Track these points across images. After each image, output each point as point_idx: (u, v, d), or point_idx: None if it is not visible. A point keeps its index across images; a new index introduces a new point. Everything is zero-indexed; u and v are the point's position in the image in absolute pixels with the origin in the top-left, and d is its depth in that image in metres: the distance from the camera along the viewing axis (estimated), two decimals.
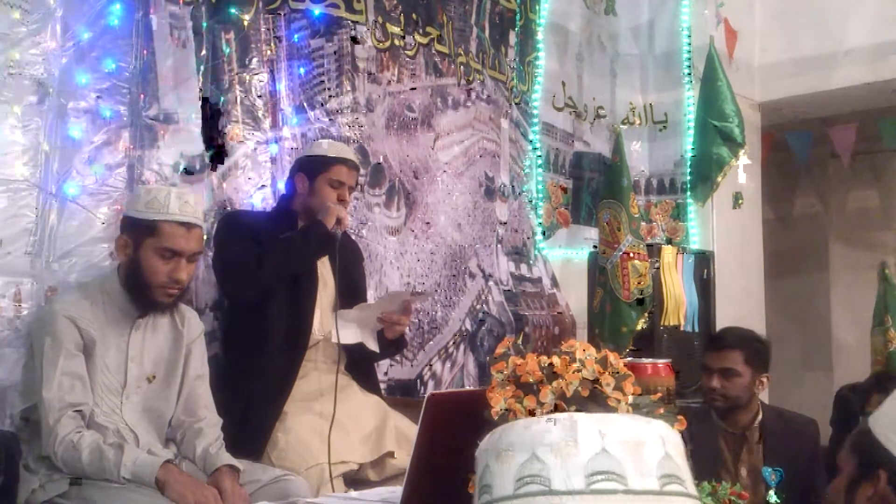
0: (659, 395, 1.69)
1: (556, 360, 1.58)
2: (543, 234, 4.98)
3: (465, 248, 4.34)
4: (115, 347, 2.50)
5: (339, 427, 2.82)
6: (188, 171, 3.20)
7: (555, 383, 1.55)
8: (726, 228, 5.59)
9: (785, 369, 6.08)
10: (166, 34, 3.18)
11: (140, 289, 2.50)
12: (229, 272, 2.99)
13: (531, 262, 4.82)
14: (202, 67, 3.29)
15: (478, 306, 4.37)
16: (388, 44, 4.01)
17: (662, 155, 5.58)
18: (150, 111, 3.13)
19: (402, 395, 3.74)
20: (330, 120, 3.72)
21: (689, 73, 5.49)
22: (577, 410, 1.57)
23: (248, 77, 3.44)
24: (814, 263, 7.28)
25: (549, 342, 4.61)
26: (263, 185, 3.45)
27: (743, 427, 3.17)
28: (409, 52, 4.13)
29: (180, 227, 2.48)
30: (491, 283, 4.46)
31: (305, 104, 3.64)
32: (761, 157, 6.07)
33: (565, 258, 5.15)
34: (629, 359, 1.82)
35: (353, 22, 3.82)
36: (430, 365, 4.08)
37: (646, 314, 4.40)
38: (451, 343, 4.19)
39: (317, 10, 3.68)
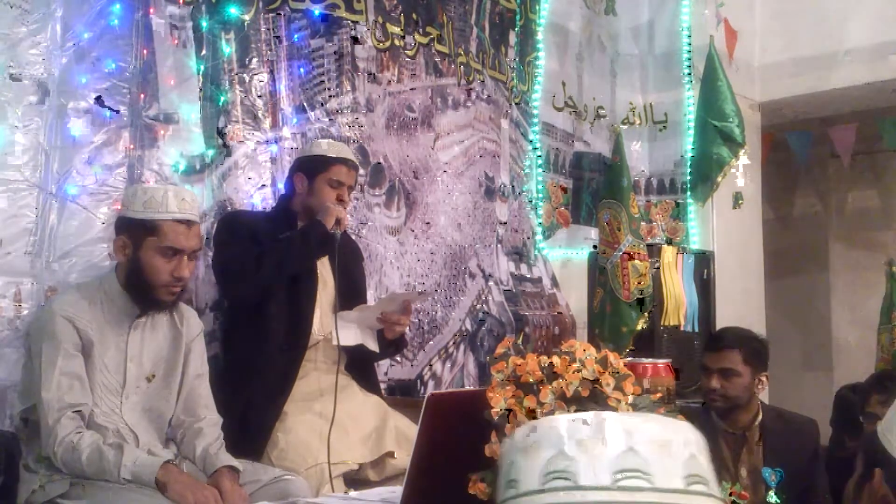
0: (659, 395, 1.69)
1: (556, 360, 1.58)
2: (543, 234, 4.97)
3: (465, 248, 4.34)
4: (114, 347, 2.50)
5: (339, 427, 2.82)
6: (188, 171, 3.20)
7: (555, 383, 1.55)
8: (726, 228, 5.59)
9: (785, 369, 6.08)
10: (166, 34, 3.18)
11: (142, 288, 2.50)
12: (229, 272, 2.99)
13: (531, 262, 4.82)
14: (202, 67, 3.29)
15: (478, 306, 4.37)
16: (388, 44, 4.01)
17: (662, 155, 5.58)
18: (150, 111, 3.13)
19: (402, 395, 3.74)
20: (330, 120, 3.72)
21: (689, 73, 5.49)
22: (576, 410, 1.57)
23: (248, 77, 3.44)
24: (814, 263, 7.28)
25: (549, 342, 4.61)
26: (263, 185, 3.45)
27: (743, 427, 3.17)
28: (409, 52, 4.13)
29: (180, 224, 2.48)
30: (491, 283, 4.46)
31: (305, 104, 3.64)
32: (761, 157, 6.07)
33: (565, 258, 5.15)
34: (629, 359, 1.82)
35: (353, 22, 3.82)
36: (430, 365, 4.08)
37: (646, 314, 4.40)
38: (451, 343, 4.19)
39: (317, 10, 3.68)
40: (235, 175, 3.36)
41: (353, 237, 3.52)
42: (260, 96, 3.47)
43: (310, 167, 3.10)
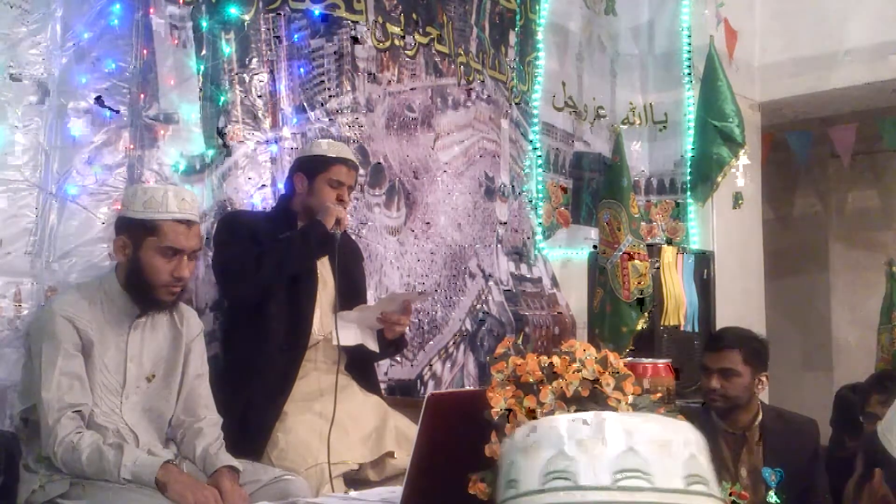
0: (659, 395, 1.69)
1: (556, 360, 1.58)
2: (543, 234, 4.97)
3: (465, 248, 4.34)
4: (114, 347, 2.49)
5: (338, 427, 2.82)
6: (188, 171, 3.20)
7: (555, 383, 1.55)
8: (726, 228, 5.59)
9: (785, 369, 6.08)
10: (166, 34, 3.18)
11: (142, 288, 2.50)
12: (229, 272, 2.98)
13: (531, 262, 4.82)
14: (202, 67, 3.29)
15: (478, 306, 4.37)
16: (388, 44, 4.01)
17: (662, 155, 5.58)
18: (150, 111, 3.13)
19: (402, 396, 3.74)
20: (330, 120, 3.72)
21: (689, 73, 5.49)
22: (576, 410, 1.57)
23: (247, 77, 3.44)
24: (814, 263, 7.28)
25: (549, 342, 4.61)
26: (263, 185, 3.45)
27: (743, 427, 3.17)
28: (409, 52, 4.13)
29: (180, 224, 2.48)
30: (491, 283, 4.46)
31: (305, 104, 3.64)
32: (761, 157, 6.07)
33: (565, 258, 5.15)
34: (629, 359, 1.82)
35: (353, 22, 3.82)
36: (430, 365, 4.08)
37: (646, 314, 4.40)
38: (451, 343, 4.19)
39: (317, 10, 3.68)
40: (235, 175, 3.36)
41: (353, 237, 3.52)
42: (260, 96, 3.47)
43: (310, 167, 3.10)
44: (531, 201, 4.92)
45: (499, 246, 4.56)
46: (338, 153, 3.13)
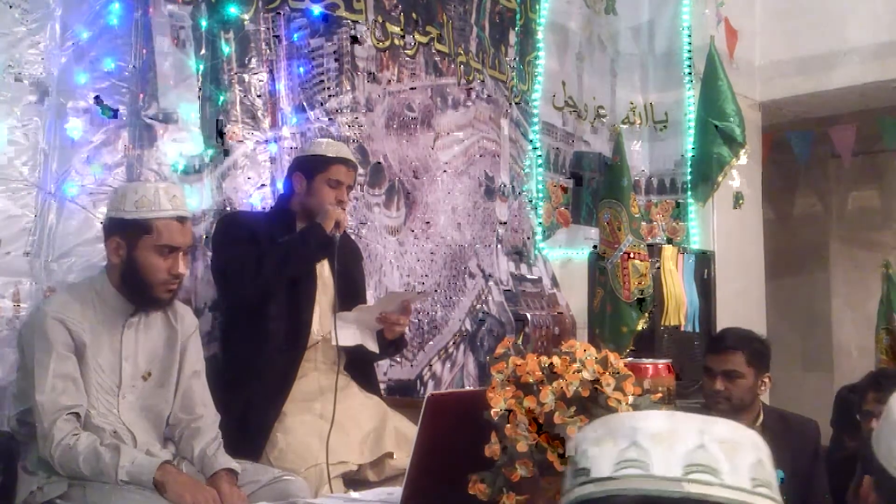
0: (659, 395, 1.68)
1: (556, 360, 1.57)
2: (543, 234, 4.97)
3: (465, 248, 4.33)
4: (108, 347, 2.48)
5: (338, 427, 2.81)
6: (187, 171, 3.19)
7: (555, 383, 1.54)
8: (726, 228, 5.59)
9: (785, 370, 6.08)
10: (166, 34, 3.18)
11: (140, 288, 2.48)
12: (228, 274, 2.97)
13: (531, 262, 4.82)
14: (201, 67, 3.28)
15: (478, 306, 4.36)
16: (387, 43, 4.01)
17: (663, 155, 5.57)
18: (150, 111, 3.12)
19: (402, 396, 3.74)
20: (330, 120, 3.71)
21: (690, 73, 5.49)
22: (577, 411, 1.56)
23: (247, 77, 3.44)
24: (814, 263, 7.27)
25: (549, 342, 4.60)
26: (263, 185, 3.45)
27: None
28: (409, 52, 4.12)
29: (174, 221, 2.47)
30: (491, 283, 4.45)
31: (305, 104, 3.63)
32: (762, 156, 6.07)
33: (565, 258, 5.14)
34: (629, 359, 1.81)
35: (352, 21, 3.82)
36: (430, 365, 4.07)
37: (646, 314, 4.40)
38: (451, 343, 4.19)
39: (316, 10, 3.68)
40: (235, 175, 3.36)
41: (353, 237, 3.52)
42: (259, 96, 3.47)
43: (309, 167, 3.09)
44: (531, 201, 4.91)
45: (499, 246, 4.56)
46: (337, 153, 3.12)
